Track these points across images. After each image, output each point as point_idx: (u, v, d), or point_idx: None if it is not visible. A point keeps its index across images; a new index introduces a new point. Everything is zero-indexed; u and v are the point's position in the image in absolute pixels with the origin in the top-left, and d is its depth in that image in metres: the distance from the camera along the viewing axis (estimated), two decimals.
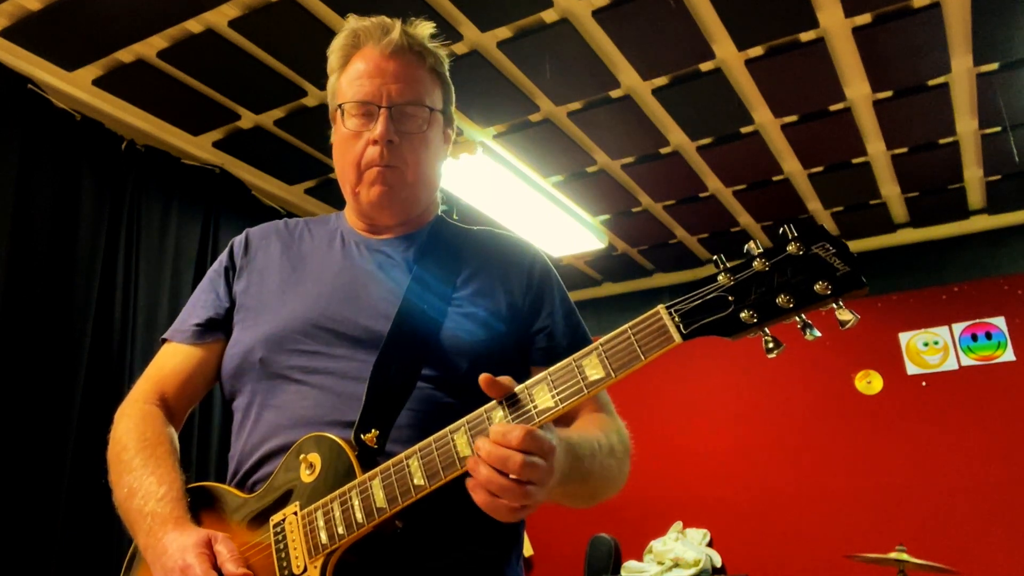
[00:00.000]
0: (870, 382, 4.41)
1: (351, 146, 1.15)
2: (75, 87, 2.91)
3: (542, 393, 0.85)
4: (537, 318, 1.16)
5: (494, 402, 0.87)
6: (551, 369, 0.86)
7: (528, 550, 4.86)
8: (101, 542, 2.71)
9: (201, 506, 1.06)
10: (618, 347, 0.83)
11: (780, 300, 0.78)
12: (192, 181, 3.42)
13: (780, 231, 0.80)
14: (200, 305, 1.20)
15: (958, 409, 4.15)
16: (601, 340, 0.84)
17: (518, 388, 0.87)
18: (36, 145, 2.80)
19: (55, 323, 2.77)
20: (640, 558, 4.53)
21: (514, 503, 0.82)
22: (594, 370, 0.83)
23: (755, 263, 0.80)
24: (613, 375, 0.82)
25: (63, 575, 2.60)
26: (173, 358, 1.18)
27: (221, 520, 1.04)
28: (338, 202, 4.44)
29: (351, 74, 1.16)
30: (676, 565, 4.28)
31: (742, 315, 0.79)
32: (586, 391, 0.83)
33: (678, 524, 4.59)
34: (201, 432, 3.23)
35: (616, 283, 5.30)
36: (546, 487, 0.84)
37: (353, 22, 1.18)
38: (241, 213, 3.63)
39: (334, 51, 1.20)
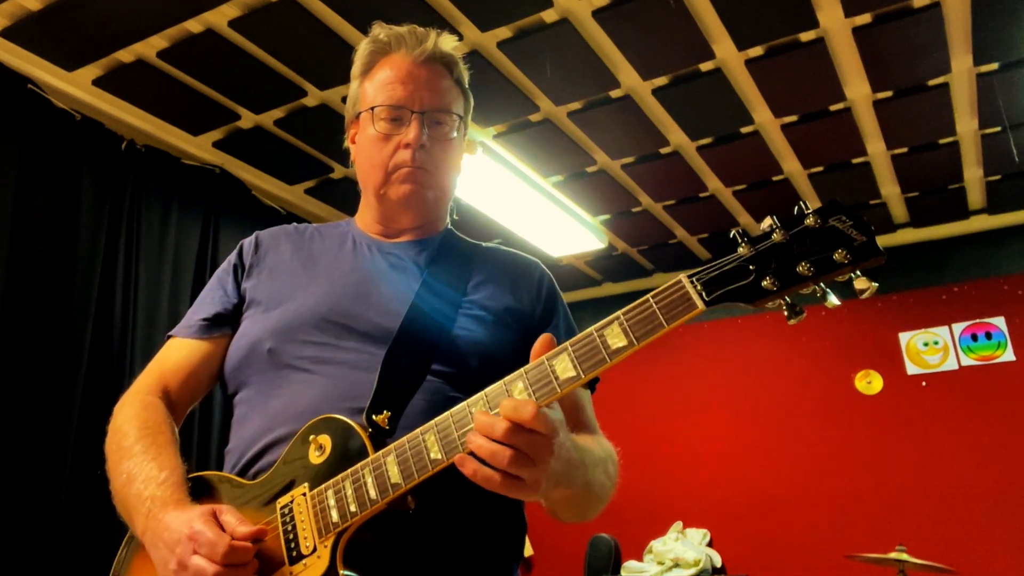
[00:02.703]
0: (870, 382, 4.41)
1: (379, 149, 1.17)
2: (75, 87, 2.91)
3: (563, 363, 0.85)
4: (545, 327, 1.17)
5: (514, 374, 0.87)
6: (570, 341, 0.86)
7: (528, 550, 4.86)
8: (101, 542, 2.71)
9: (203, 494, 1.03)
10: (640, 316, 0.83)
11: (800, 268, 0.80)
12: (192, 181, 3.42)
13: (796, 209, 0.82)
14: (207, 302, 1.20)
15: (958, 409, 4.14)
16: (621, 311, 0.84)
17: (536, 361, 0.87)
18: (36, 145, 2.80)
19: (55, 323, 2.77)
20: (640, 558, 4.53)
21: (503, 466, 0.81)
22: (616, 339, 0.83)
23: (774, 235, 0.82)
24: (636, 343, 0.82)
25: (63, 574, 2.60)
26: (178, 352, 1.18)
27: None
28: (338, 202, 4.43)
29: (380, 79, 1.18)
30: (676, 565, 4.28)
31: (763, 283, 0.81)
32: (609, 360, 0.83)
33: (678, 524, 4.59)
34: (201, 429, 3.23)
35: (616, 283, 5.30)
36: (544, 465, 0.83)
37: (381, 30, 1.21)
38: (241, 213, 3.63)
39: (360, 56, 1.23)
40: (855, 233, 0.79)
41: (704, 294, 0.81)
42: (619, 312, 0.84)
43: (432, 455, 0.88)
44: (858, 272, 0.79)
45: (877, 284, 0.79)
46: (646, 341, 0.82)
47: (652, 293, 0.83)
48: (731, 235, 0.84)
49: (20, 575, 2.51)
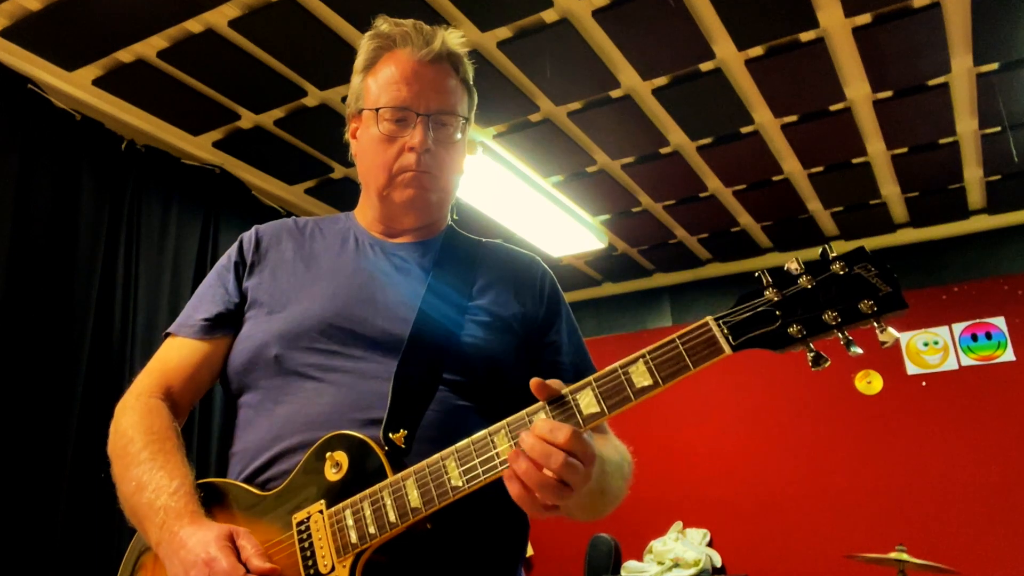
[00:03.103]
0: (870, 382, 4.41)
1: (383, 149, 1.15)
2: (75, 87, 2.91)
3: (587, 398, 0.85)
4: (549, 331, 1.18)
5: (537, 405, 0.87)
6: (595, 375, 0.86)
7: (528, 550, 4.86)
8: (101, 542, 2.71)
9: (213, 503, 1.03)
10: (666, 356, 0.83)
11: (826, 316, 0.80)
12: (192, 181, 3.42)
13: (821, 251, 0.82)
14: (208, 300, 1.18)
15: (958, 409, 4.14)
16: (647, 349, 0.84)
17: (559, 395, 0.87)
18: (36, 145, 2.80)
19: (55, 323, 2.77)
20: (640, 558, 4.53)
21: (547, 500, 0.83)
22: (642, 378, 0.84)
23: (801, 280, 0.82)
24: (661, 383, 0.83)
25: (63, 574, 2.60)
26: (178, 352, 1.16)
27: (235, 517, 1.02)
28: (338, 202, 4.42)
29: (385, 77, 1.16)
30: (676, 565, 4.28)
31: (790, 330, 0.81)
32: (633, 399, 0.84)
33: (678, 524, 4.59)
34: (201, 429, 3.23)
35: (616, 283, 5.30)
36: (578, 492, 0.84)
37: (385, 23, 1.18)
38: (241, 213, 3.63)
39: (363, 50, 1.20)
40: (880, 283, 0.80)
41: (731, 338, 0.82)
42: (644, 350, 0.84)
43: (453, 482, 0.89)
44: (882, 323, 0.79)
45: (899, 336, 0.80)
46: (672, 382, 0.83)
47: (678, 333, 0.84)
48: (756, 275, 0.84)
49: (20, 575, 2.51)
